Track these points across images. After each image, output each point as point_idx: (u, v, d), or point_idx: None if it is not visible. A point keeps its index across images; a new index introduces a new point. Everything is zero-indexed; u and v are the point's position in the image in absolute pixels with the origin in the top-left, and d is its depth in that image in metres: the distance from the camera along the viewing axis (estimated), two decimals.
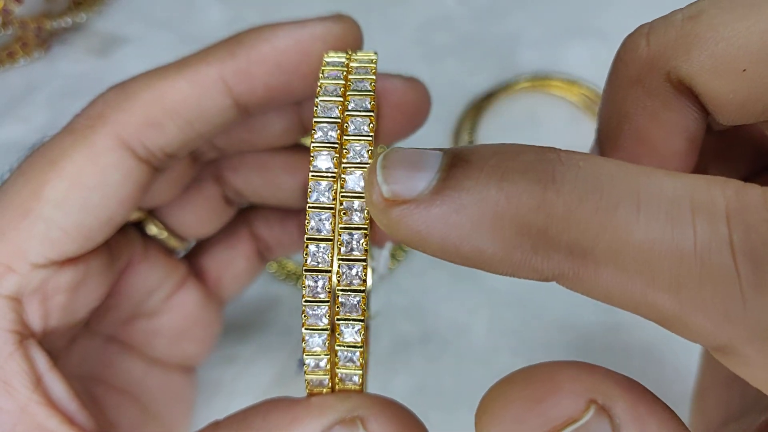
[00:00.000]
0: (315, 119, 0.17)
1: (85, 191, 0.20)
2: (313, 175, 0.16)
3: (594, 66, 0.39)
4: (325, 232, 0.16)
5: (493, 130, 0.39)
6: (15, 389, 0.19)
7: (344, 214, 0.16)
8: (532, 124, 0.40)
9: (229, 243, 0.28)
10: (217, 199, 0.27)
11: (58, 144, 0.21)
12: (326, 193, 0.16)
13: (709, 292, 0.12)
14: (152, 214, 0.26)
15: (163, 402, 0.27)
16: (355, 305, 0.16)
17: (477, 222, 0.13)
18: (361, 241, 0.16)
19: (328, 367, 0.17)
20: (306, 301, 0.16)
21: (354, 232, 0.16)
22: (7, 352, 0.20)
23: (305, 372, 0.17)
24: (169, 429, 0.27)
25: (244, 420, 0.17)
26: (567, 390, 0.13)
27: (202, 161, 0.26)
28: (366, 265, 0.16)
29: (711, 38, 0.16)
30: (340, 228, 0.16)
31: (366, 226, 0.16)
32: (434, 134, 0.39)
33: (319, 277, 0.16)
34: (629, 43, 0.18)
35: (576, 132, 0.40)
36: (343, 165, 0.16)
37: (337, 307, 0.16)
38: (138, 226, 0.26)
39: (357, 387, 0.17)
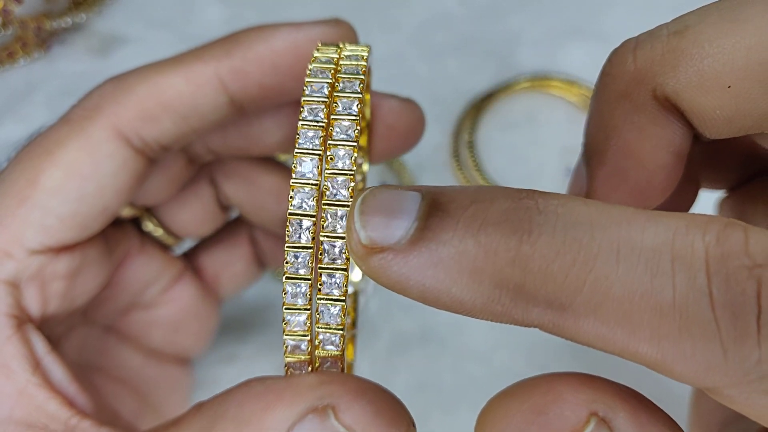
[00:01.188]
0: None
1: (81, 180, 0.21)
2: (302, 124, 0.16)
3: (593, 66, 0.39)
4: (310, 176, 0.16)
5: (492, 130, 0.39)
6: (13, 372, 0.19)
7: (331, 159, 0.16)
8: (532, 124, 0.40)
9: (229, 244, 0.29)
10: (210, 202, 0.27)
11: (55, 134, 0.21)
12: (314, 141, 0.16)
13: (689, 344, 0.12)
14: (148, 211, 0.27)
15: (161, 392, 0.27)
16: (339, 254, 0.15)
17: (455, 275, 0.13)
18: (348, 186, 0.16)
19: (308, 324, 0.16)
20: (288, 246, 0.16)
21: (339, 176, 0.16)
22: (5, 335, 0.20)
23: (284, 331, 0.16)
24: (166, 419, 0.27)
25: (220, 405, 0.17)
26: (568, 401, 0.13)
27: (198, 163, 0.26)
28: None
29: (696, 54, 0.16)
30: (327, 173, 0.16)
31: (353, 171, 0.16)
32: (434, 134, 0.39)
33: (303, 221, 0.16)
34: (616, 58, 0.18)
35: (575, 132, 0.40)
36: (332, 117, 0.16)
37: (320, 255, 0.15)
38: (135, 223, 0.26)
39: (337, 352, 0.16)
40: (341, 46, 0.19)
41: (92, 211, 0.21)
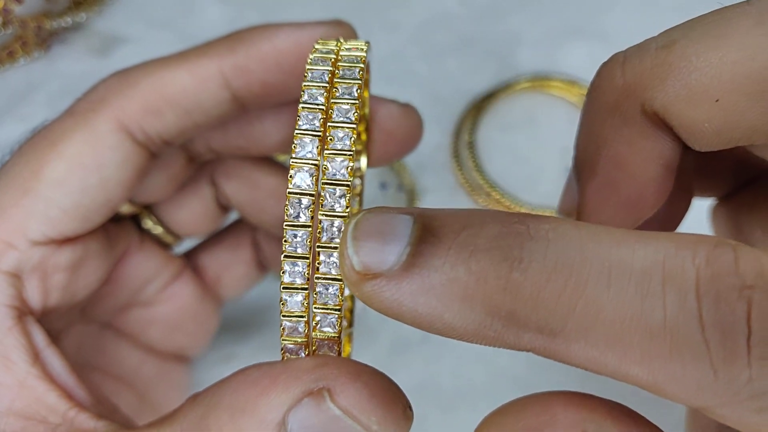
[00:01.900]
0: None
1: (84, 172, 0.21)
2: (302, 107, 0.16)
3: (594, 67, 0.39)
4: (310, 156, 0.16)
5: (492, 130, 0.39)
6: (14, 363, 0.20)
7: (330, 140, 0.16)
8: (532, 124, 0.40)
9: (231, 246, 0.29)
10: (210, 201, 0.27)
11: (59, 126, 0.21)
12: (314, 123, 0.16)
13: (679, 365, 0.12)
14: (148, 209, 0.27)
15: (159, 390, 0.27)
16: (338, 232, 0.15)
17: (447, 302, 0.13)
18: (347, 166, 0.16)
19: (306, 305, 0.16)
20: (287, 225, 0.16)
21: (338, 156, 0.16)
22: (6, 326, 0.20)
23: (281, 312, 0.16)
24: None
25: (215, 394, 0.17)
26: (561, 422, 0.14)
27: (198, 162, 0.26)
28: (349, 189, 0.16)
29: (684, 68, 0.16)
30: (326, 153, 0.16)
31: (352, 152, 0.16)
32: (434, 134, 0.39)
33: (302, 199, 0.16)
34: (605, 72, 0.19)
35: (575, 132, 0.40)
36: (332, 101, 0.16)
37: (318, 233, 0.15)
38: (135, 220, 0.27)
39: (334, 334, 0.16)
40: (341, 41, 0.19)
41: (95, 203, 0.21)
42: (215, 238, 0.29)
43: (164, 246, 0.27)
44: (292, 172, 0.16)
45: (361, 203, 0.27)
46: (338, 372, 0.16)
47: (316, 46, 0.18)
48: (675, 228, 0.23)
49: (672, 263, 0.12)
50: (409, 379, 0.31)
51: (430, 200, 0.37)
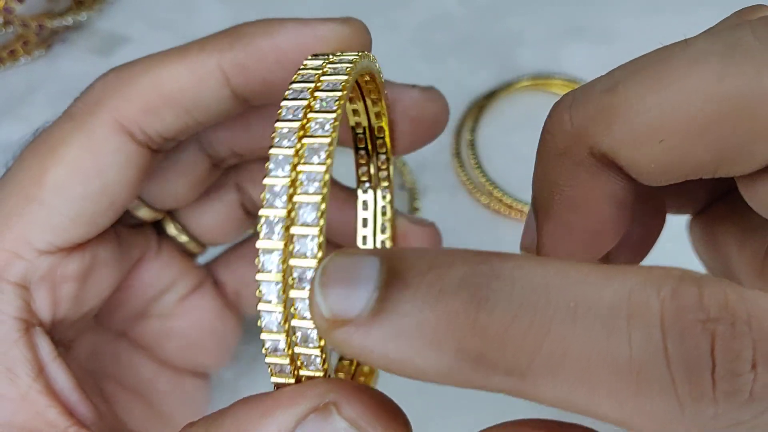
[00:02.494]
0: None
1: (86, 177, 0.20)
2: (272, 152, 0.16)
3: (594, 66, 0.39)
4: (280, 205, 0.16)
5: (493, 130, 0.39)
6: (17, 376, 0.19)
7: (300, 185, 0.16)
8: (533, 124, 0.40)
9: (252, 260, 0.28)
10: (235, 207, 0.27)
11: (58, 131, 0.21)
12: (285, 167, 0.16)
13: (647, 401, 0.12)
14: (172, 216, 0.26)
15: (174, 405, 0.27)
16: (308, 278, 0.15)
17: (417, 347, 0.13)
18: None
19: (287, 350, 0.16)
20: (260, 277, 0.16)
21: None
22: (11, 339, 0.20)
23: (265, 355, 0.16)
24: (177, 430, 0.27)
25: (215, 420, 0.17)
26: None
27: (222, 167, 0.25)
28: (321, 232, 0.15)
29: (627, 112, 0.17)
30: (296, 199, 0.16)
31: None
32: None
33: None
34: (554, 116, 0.19)
35: None
36: (301, 150, 0.16)
37: (291, 281, 0.15)
38: (157, 227, 0.26)
39: (320, 372, 0.16)
40: (330, 57, 0.19)
41: (99, 207, 0.21)
42: (235, 251, 0.28)
43: (187, 255, 0.27)
44: (260, 223, 0.16)
45: (393, 212, 0.26)
46: (342, 387, 0.16)
47: (300, 71, 0.18)
48: (650, 247, 0.23)
49: (637, 298, 0.12)
50: (409, 382, 0.31)
51: (431, 199, 0.37)
